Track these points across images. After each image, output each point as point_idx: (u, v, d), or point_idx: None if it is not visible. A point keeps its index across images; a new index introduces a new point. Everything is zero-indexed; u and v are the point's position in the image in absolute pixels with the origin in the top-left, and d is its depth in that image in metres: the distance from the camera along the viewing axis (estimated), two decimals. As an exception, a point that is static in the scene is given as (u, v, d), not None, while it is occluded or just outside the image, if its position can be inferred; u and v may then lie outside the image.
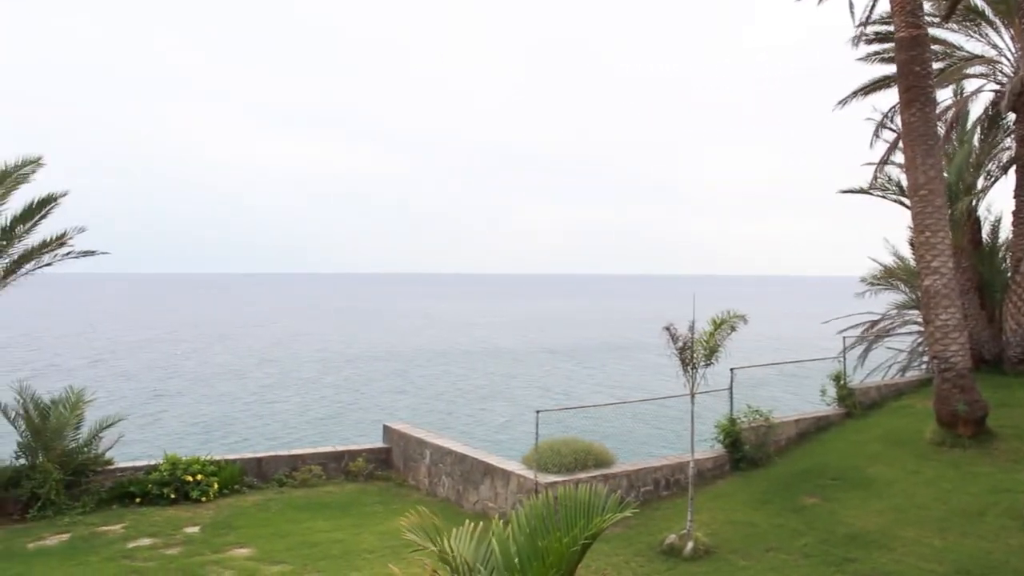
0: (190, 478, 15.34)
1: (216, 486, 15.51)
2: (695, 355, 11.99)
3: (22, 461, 14.84)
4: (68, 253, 15.65)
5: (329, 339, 73.80)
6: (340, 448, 18.04)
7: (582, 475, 13.52)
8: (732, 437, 15.58)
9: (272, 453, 17.74)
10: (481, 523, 6.49)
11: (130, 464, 15.94)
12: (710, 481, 14.96)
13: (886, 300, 24.00)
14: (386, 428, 18.70)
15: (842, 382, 18.36)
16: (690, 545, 11.69)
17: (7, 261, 15.05)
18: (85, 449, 15.30)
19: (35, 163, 15.34)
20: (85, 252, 16.00)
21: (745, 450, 15.56)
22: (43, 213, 15.25)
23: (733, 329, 12.05)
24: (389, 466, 17.86)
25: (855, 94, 21.54)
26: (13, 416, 14.90)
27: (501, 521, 6.52)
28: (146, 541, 12.98)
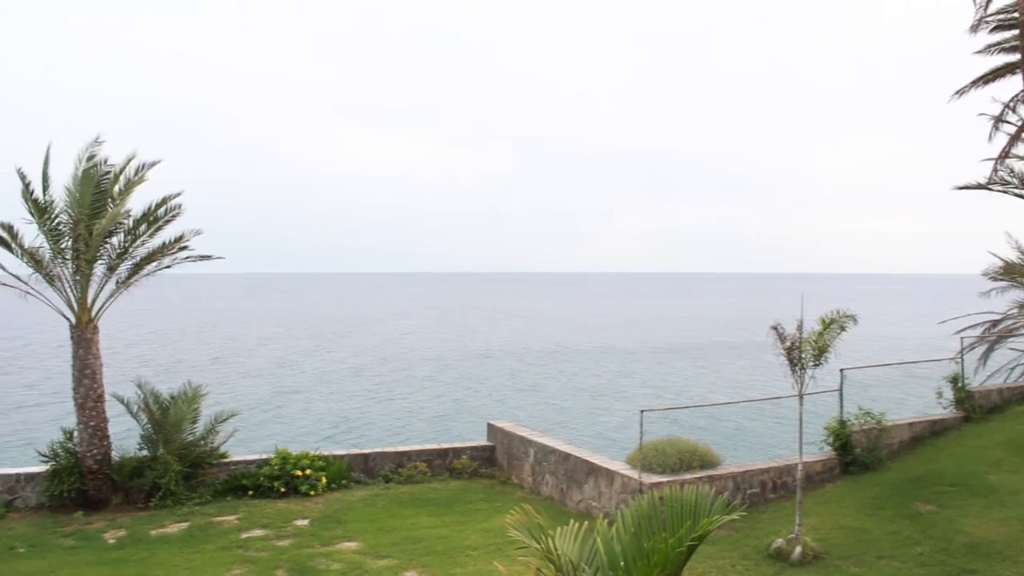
0: (299, 473, 15.83)
1: (324, 481, 15.98)
2: (803, 355, 11.70)
3: (144, 452, 15.66)
4: (187, 256, 16.35)
5: (441, 338, 74.84)
6: (445, 445, 18.32)
7: (687, 476, 13.35)
8: (842, 440, 15.10)
9: (379, 449, 18.12)
10: (585, 522, 6.48)
11: (242, 458, 16.58)
12: (819, 484, 14.55)
13: (1008, 298, 22.84)
14: (490, 426, 18.86)
15: (960, 384, 17.50)
16: (798, 550, 11.41)
17: (130, 263, 15.80)
18: (202, 442, 16.00)
19: (152, 165, 16.13)
20: (203, 256, 16.68)
21: (856, 453, 15.06)
22: (167, 218, 15.97)
23: (843, 329, 11.70)
24: (493, 464, 18.01)
25: (974, 83, 20.47)
26: (135, 410, 15.68)
27: (606, 521, 6.50)
28: (258, 532, 13.49)
